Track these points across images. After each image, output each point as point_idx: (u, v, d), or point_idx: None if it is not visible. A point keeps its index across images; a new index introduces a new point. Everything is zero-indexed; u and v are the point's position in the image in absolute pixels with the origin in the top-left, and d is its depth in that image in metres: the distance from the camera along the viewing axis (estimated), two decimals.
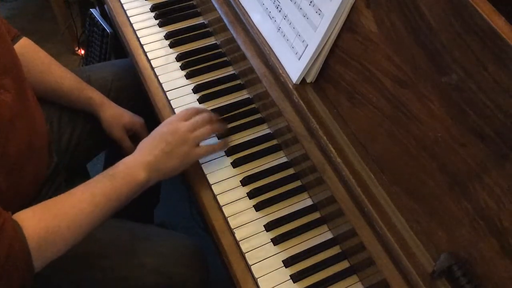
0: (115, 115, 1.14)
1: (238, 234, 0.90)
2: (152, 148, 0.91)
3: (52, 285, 0.97)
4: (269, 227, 0.91)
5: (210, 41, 1.18)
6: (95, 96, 1.13)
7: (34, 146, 0.95)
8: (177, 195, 1.61)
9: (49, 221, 0.79)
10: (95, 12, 1.68)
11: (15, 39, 1.08)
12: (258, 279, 0.86)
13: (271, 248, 0.89)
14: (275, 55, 0.97)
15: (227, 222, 0.92)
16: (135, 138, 1.17)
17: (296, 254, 0.89)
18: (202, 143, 0.96)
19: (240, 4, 1.06)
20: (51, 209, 0.81)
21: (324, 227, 0.93)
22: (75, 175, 1.19)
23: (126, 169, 0.88)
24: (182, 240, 1.05)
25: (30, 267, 0.77)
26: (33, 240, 0.76)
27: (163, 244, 1.03)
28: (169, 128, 0.93)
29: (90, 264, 0.98)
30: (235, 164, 0.98)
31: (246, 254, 0.88)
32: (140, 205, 1.47)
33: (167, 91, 1.08)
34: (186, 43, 1.17)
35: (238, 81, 1.11)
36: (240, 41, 1.05)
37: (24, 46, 1.09)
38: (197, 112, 0.98)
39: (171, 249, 1.02)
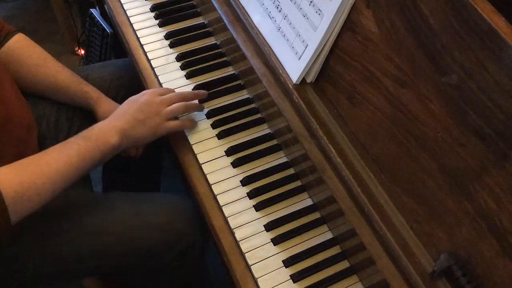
0: (111, 110, 1.12)
1: (238, 234, 0.90)
2: (126, 115, 0.96)
3: (62, 256, 0.99)
4: (269, 227, 0.91)
5: (210, 41, 1.18)
6: (92, 91, 1.14)
7: (12, 133, 0.97)
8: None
9: (25, 177, 0.83)
10: (95, 12, 1.68)
11: (10, 35, 1.09)
12: (258, 279, 0.86)
13: (271, 248, 0.89)
14: (275, 55, 0.97)
15: (227, 222, 0.92)
16: None
17: (296, 254, 0.89)
18: None
19: (240, 4, 1.06)
20: (28, 167, 0.85)
21: (324, 227, 0.93)
22: None
23: (100, 132, 0.93)
24: (182, 200, 1.07)
25: (7, 220, 0.80)
26: (8, 195, 0.80)
27: (165, 203, 1.05)
28: (145, 99, 0.99)
29: (97, 231, 1.00)
30: (235, 164, 0.98)
31: (246, 254, 0.88)
32: None
33: None
34: (186, 43, 1.17)
35: (238, 81, 1.11)
36: (240, 41, 1.05)
37: (20, 41, 1.10)
38: (174, 93, 1.04)
39: (174, 207, 1.05)
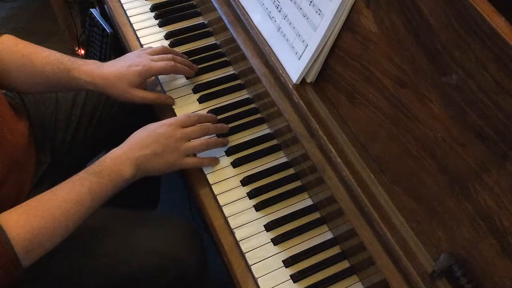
0: (116, 86, 1.01)
1: (238, 234, 0.90)
2: (143, 145, 0.90)
3: (51, 275, 0.96)
4: (269, 227, 0.91)
5: (210, 41, 1.18)
6: (83, 76, 1.01)
7: (5, 152, 0.94)
8: (177, 195, 1.61)
9: (34, 223, 0.79)
10: (95, 12, 1.68)
11: None
12: (258, 279, 0.86)
13: (271, 248, 0.89)
14: (275, 55, 0.97)
15: (227, 222, 0.92)
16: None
17: (296, 254, 0.89)
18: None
19: (240, 4, 1.06)
20: (36, 210, 0.81)
21: (324, 227, 0.93)
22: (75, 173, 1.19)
23: (113, 165, 0.88)
24: (179, 222, 1.05)
25: (18, 268, 0.78)
26: (18, 244, 0.77)
27: (161, 226, 1.03)
28: (166, 131, 0.93)
29: (89, 252, 0.98)
30: (235, 164, 0.98)
31: (246, 254, 0.88)
32: (140, 205, 1.48)
33: (167, 91, 1.08)
34: (186, 43, 1.17)
35: (238, 81, 1.11)
36: (240, 41, 1.05)
37: (2, 43, 1.02)
38: (199, 120, 0.98)
39: (170, 231, 1.02)
